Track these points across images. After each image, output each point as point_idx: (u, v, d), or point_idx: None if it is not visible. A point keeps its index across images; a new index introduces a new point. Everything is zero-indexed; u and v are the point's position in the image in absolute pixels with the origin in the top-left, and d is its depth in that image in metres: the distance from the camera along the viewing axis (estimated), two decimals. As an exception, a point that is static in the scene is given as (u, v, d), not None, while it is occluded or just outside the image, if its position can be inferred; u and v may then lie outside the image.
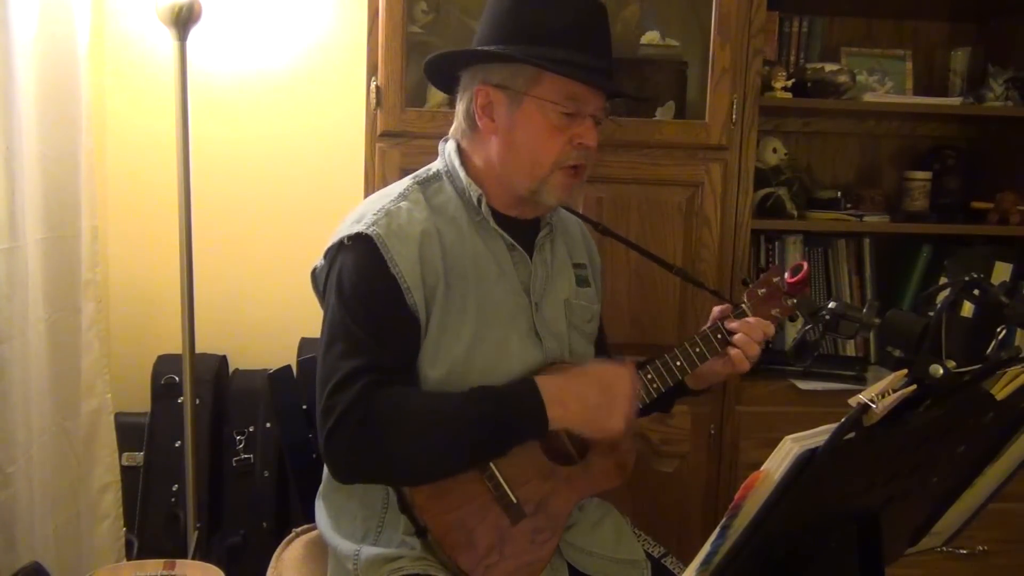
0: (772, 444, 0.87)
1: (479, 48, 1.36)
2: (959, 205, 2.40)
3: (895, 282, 2.41)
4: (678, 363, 1.41)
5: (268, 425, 2.33)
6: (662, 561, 1.50)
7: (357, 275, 1.30)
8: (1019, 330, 1.23)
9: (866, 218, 2.29)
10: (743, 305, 1.45)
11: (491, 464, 1.32)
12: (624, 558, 1.46)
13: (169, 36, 2.06)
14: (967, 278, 1.18)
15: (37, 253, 1.96)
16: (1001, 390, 1.00)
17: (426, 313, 1.31)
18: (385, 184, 1.75)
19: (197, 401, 2.24)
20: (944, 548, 1.29)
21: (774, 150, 2.33)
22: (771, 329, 1.43)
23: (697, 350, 1.42)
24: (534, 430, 1.31)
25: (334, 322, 1.31)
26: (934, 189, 2.38)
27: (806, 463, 0.84)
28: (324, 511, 1.44)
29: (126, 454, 2.34)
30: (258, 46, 2.39)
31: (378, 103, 1.97)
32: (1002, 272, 2.30)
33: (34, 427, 1.96)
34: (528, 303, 1.40)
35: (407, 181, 1.42)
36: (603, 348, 1.60)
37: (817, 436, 0.86)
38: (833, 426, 0.85)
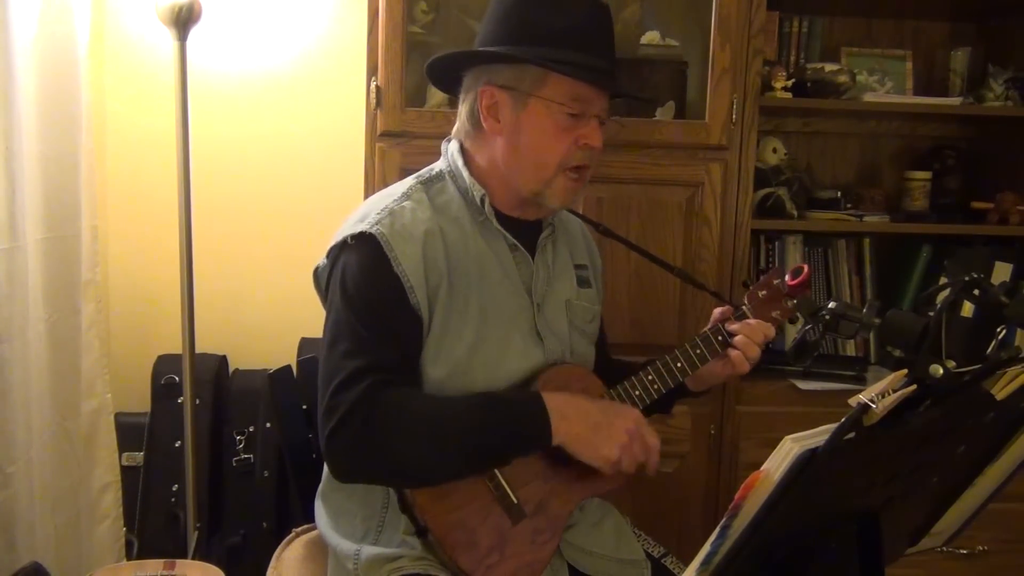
0: (772, 444, 0.87)
1: (485, 49, 1.36)
2: (959, 205, 2.40)
3: (895, 282, 2.41)
4: (679, 364, 1.41)
5: (268, 425, 2.33)
6: (662, 561, 1.50)
7: (361, 274, 1.30)
8: (1019, 330, 1.23)
9: (866, 218, 2.30)
10: (744, 307, 1.45)
11: (492, 464, 1.33)
12: (624, 558, 1.46)
13: (169, 36, 2.06)
14: (967, 278, 1.18)
15: (37, 253, 1.96)
16: (1001, 390, 1.00)
17: (429, 313, 1.31)
18: (385, 184, 1.75)
19: (197, 401, 2.24)
20: (944, 548, 1.29)
21: (774, 150, 2.33)
22: (771, 331, 1.43)
23: (698, 351, 1.42)
24: (537, 442, 1.30)
25: (337, 321, 1.31)
26: (934, 189, 2.38)
27: (806, 463, 0.84)
28: (324, 511, 1.44)
29: (126, 454, 2.34)
30: (258, 46, 2.39)
31: (378, 103, 1.97)
32: (1002, 272, 2.30)
33: (34, 427, 1.96)
34: (530, 303, 1.40)
35: (410, 181, 1.42)
36: (604, 349, 1.59)
37: (817, 436, 0.86)
38: (833, 426, 0.85)
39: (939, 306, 1.14)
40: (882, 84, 2.42)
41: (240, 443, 2.34)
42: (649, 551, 1.51)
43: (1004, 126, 2.42)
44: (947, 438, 1.06)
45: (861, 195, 2.40)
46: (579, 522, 1.44)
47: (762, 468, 0.87)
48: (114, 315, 2.42)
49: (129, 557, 2.28)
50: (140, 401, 2.39)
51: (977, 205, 2.34)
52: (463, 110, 1.40)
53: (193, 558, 2.15)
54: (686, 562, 1.02)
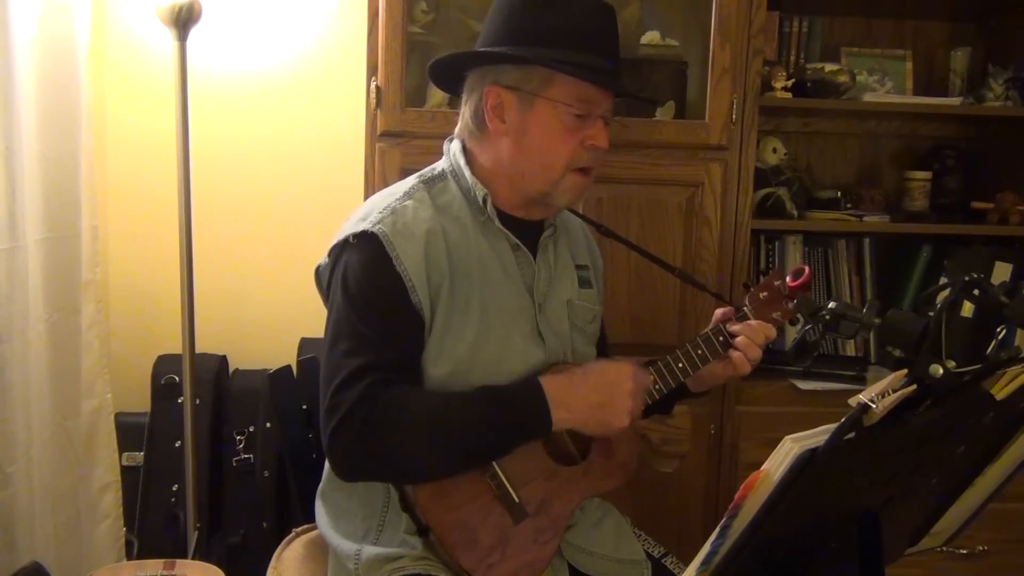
0: (772, 444, 0.87)
1: (492, 49, 1.35)
2: (959, 205, 2.40)
3: (895, 282, 2.41)
4: (680, 365, 1.41)
5: (268, 425, 2.33)
6: (662, 561, 1.50)
7: (362, 273, 1.30)
8: (1019, 330, 1.23)
9: (866, 218, 2.30)
10: (745, 308, 1.45)
11: (494, 463, 1.33)
12: (624, 558, 1.46)
13: (169, 36, 2.06)
14: (967, 278, 1.18)
15: (37, 253, 1.96)
16: (1001, 390, 1.00)
17: (430, 312, 1.31)
18: (385, 184, 1.76)
19: (197, 401, 2.24)
20: (944, 548, 1.29)
21: (774, 150, 2.33)
22: (773, 332, 1.43)
23: (699, 352, 1.42)
24: (538, 432, 1.32)
25: (339, 320, 1.31)
26: (934, 189, 2.38)
27: (806, 463, 0.84)
28: (324, 510, 1.44)
29: (126, 454, 2.34)
30: (258, 46, 2.39)
31: (378, 103, 1.97)
32: (1002, 272, 2.30)
33: (34, 427, 1.96)
34: (531, 303, 1.41)
35: (412, 180, 1.42)
36: (604, 349, 1.60)
37: (817, 436, 0.86)
38: (833, 426, 0.85)
39: (939, 306, 1.14)
40: (882, 84, 2.42)
41: (240, 443, 2.34)
42: (649, 551, 1.51)
43: (1004, 126, 2.43)
44: (947, 438, 1.06)
45: (861, 195, 2.40)
46: (579, 522, 1.44)
47: (762, 468, 0.87)
48: (114, 315, 2.42)
49: (129, 557, 2.28)
50: (140, 401, 2.38)
51: (977, 205, 2.34)
52: (466, 110, 1.40)
53: (193, 558, 2.15)
54: (686, 562, 1.02)
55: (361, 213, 1.37)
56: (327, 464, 1.43)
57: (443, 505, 1.31)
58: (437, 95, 2.04)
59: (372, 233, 1.30)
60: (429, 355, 1.33)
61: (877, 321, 1.31)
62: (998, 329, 1.16)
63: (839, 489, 0.98)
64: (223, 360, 2.43)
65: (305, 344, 2.37)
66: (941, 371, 1.07)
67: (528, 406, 1.30)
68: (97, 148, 2.25)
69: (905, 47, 2.47)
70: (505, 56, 1.33)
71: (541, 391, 1.30)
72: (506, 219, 1.40)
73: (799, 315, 1.45)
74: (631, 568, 1.46)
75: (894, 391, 0.89)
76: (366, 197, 1.87)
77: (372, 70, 1.98)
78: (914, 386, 0.92)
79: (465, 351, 1.32)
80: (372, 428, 1.25)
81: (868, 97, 2.31)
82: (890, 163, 2.54)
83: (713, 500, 2.14)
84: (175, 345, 2.23)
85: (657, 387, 1.41)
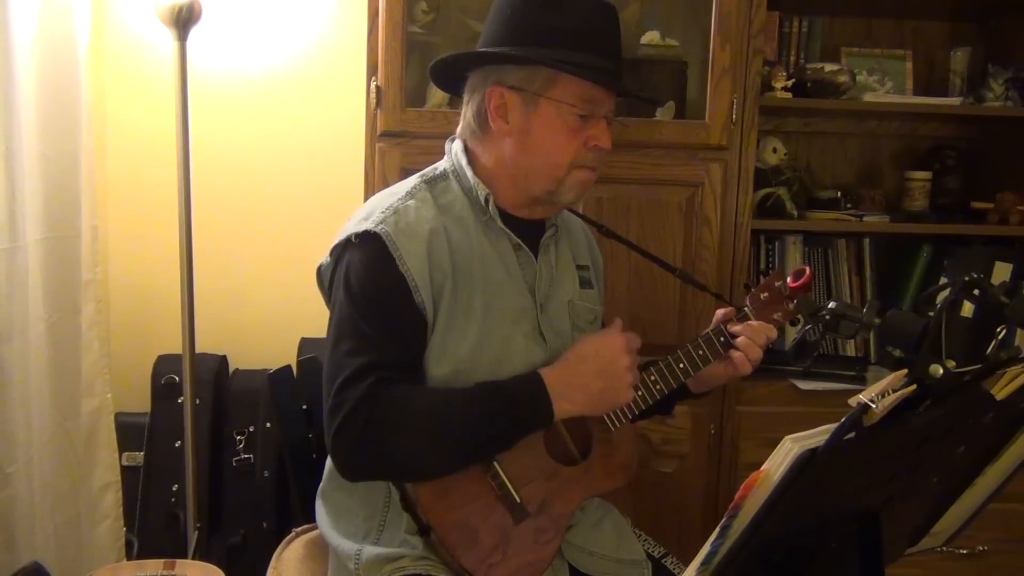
0: (772, 444, 0.87)
1: (496, 49, 1.35)
2: (959, 205, 2.40)
3: (895, 282, 2.41)
4: (681, 365, 1.41)
5: (268, 425, 2.33)
6: (662, 561, 1.51)
7: (365, 273, 1.30)
8: (1019, 330, 1.23)
9: (866, 218, 2.29)
10: (745, 308, 1.45)
11: (495, 463, 1.33)
12: (624, 558, 1.46)
13: (169, 36, 2.06)
14: (967, 278, 1.18)
15: (37, 253, 1.96)
16: (1001, 390, 1.00)
17: (433, 311, 1.32)
18: (385, 184, 1.76)
19: (197, 401, 2.24)
20: (944, 548, 1.29)
21: (774, 150, 2.33)
22: (773, 333, 1.43)
23: (700, 352, 1.42)
24: (540, 425, 1.33)
25: (341, 319, 1.31)
26: (934, 189, 2.38)
27: (806, 463, 0.84)
28: (324, 510, 1.44)
29: (126, 454, 2.34)
30: (258, 46, 2.39)
31: (378, 103, 1.97)
32: (1002, 272, 2.30)
33: (34, 427, 1.96)
34: (533, 303, 1.41)
35: (414, 180, 1.42)
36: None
37: (817, 436, 0.86)
38: (833, 426, 0.85)
39: (939, 306, 1.14)
40: (882, 84, 2.42)
41: (240, 443, 2.34)
42: (649, 551, 1.51)
43: (1004, 126, 2.43)
44: (947, 438, 1.06)
45: (861, 195, 2.40)
46: (579, 522, 1.44)
47: (762, 468, 0.87)
48: (114, 315, 2.42)
49: (129, 557, 2.28)
50: (140, 401, 2.38)
51: (977, 205, 2.34)
52: (468, 110, 1.40)
53: (193, 558, 2.15)
54: (686, 562, 1.02)
55: (363, 213, 1.37)
56: (328, 463, 1.43)
57: (444, 505, 1.31)
58: (437, 95, 2.04)
59: (375, 233, 1.30)
60: (431, 355, 1.33)
61: (877, 321, 1.31)
62: (998, 329, 1.16)
63: (839, 489, 0.98)
64: (223, 360, 2.43)
65: (305, 344, 2.37)
66: (941, 371, 1.06)
67: (530, 400, 1.30)
68: (97, 148, 2.25)
69: (905, 47, 2.47)
70: (508, 56, 1.33)
71: (543, 384, 1.30)
72: (508, 219, 1.40)
73: (799, 315, 1.45)
74: (631, 568, 1.46)
75: (894, 391, 0.89)
76: (366, 197, 1.87)
77: (372, 70, 1.98)
78: (914, 386, 0.92)
79: (467, 351, 1.33)
80: (375, 427, 1.25)
81: (868, 97, 2.31)
82: (890, 163, 2.54)
83: (713, 500, 2.14)
84: (175, 345, 2.23)
85: (658, 387, 1.41)
